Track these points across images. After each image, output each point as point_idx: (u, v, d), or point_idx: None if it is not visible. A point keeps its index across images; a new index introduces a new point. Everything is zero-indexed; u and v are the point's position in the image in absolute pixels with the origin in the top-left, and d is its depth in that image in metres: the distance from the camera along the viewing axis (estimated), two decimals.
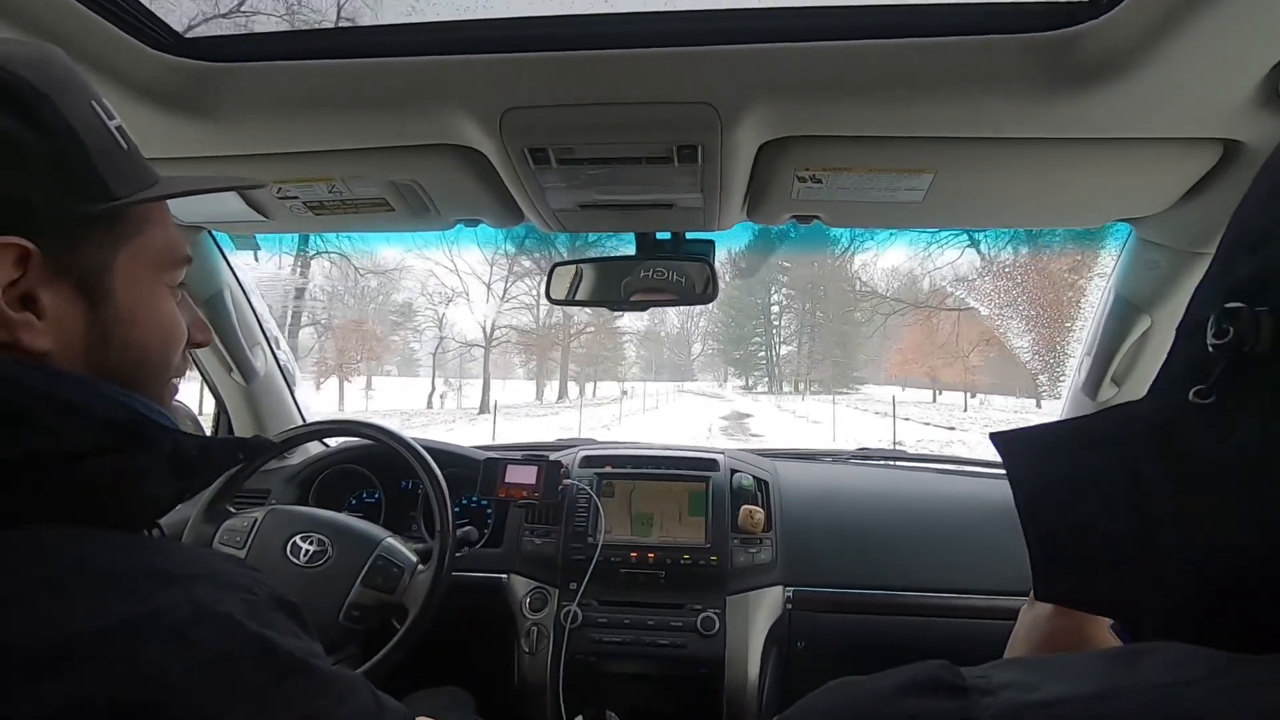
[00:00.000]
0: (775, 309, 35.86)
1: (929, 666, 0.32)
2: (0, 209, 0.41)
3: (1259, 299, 0.30)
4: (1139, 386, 1.19)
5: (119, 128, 0.47)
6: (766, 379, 36.09)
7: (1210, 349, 0.31)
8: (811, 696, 0.36)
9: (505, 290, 23.87)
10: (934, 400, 25.47)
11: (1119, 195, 0.93)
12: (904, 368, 26.88)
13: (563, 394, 26.84)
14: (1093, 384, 1.24)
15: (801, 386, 33.10)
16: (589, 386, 30.29)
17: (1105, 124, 0.76)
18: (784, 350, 36.04)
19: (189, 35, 0.78)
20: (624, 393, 28.77)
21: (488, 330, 24.07)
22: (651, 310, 1.18)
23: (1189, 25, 0.60)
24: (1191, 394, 0.32)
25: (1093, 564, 0.37)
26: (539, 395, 27.43)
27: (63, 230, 0.43)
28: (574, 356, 28.99)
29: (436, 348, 24.50)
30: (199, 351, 1.40)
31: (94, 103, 0.46)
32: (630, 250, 1.17)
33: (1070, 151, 0.82)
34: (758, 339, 36.61)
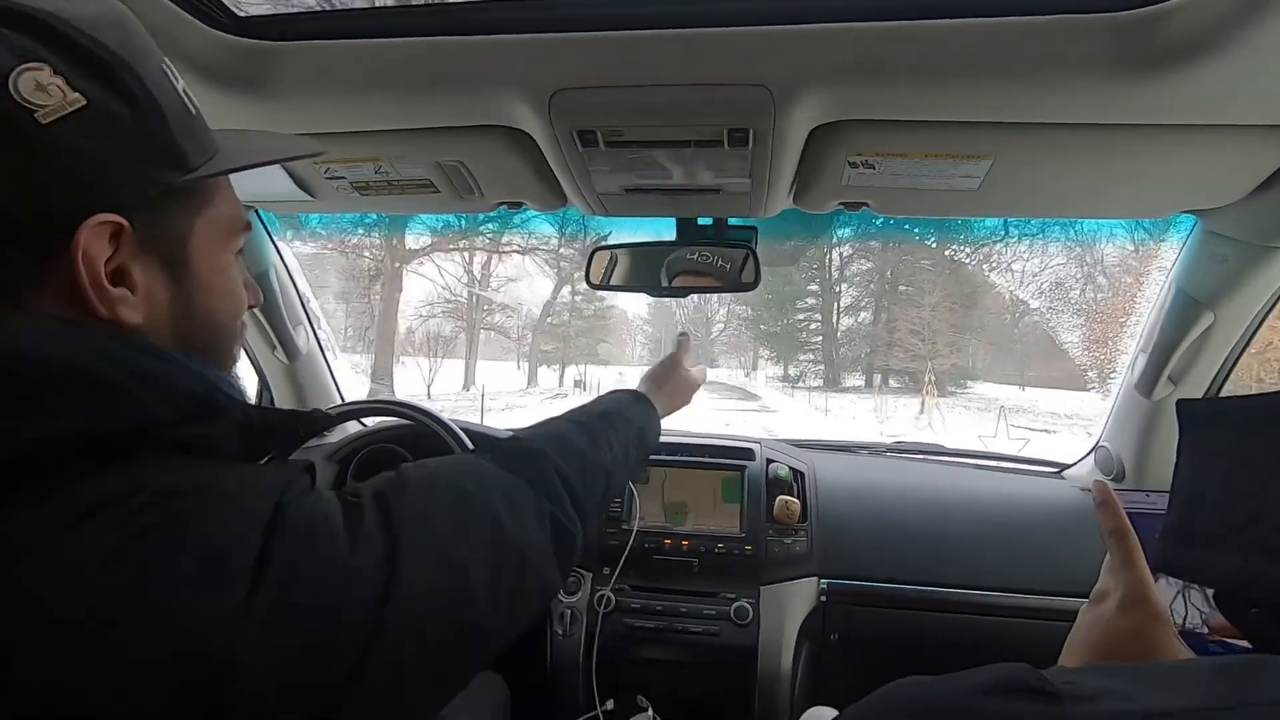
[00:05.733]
0: (837, 259, 20.32)
1: (1010, 669, 0.31)
2: (94, 184, 0.41)
3: None
4: (1198, 385, 1.15)
5: (185, 91, 0.47)
6: (822, 366, 20.91)
7: None
8: (875, 696, 0.35)
9: None
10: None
11: (1188, 185, 0.89)
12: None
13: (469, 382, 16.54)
14: (1148, 381, 1.20)
15: (895, 383, 19.20)
16: (571, 372, 20.64)
17: (1180, 110, 0.72)
18: (846, 323, 20.84)
19: (244, 14, 0.78)
20: (576, 383, 19.65)
21: None
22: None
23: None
24: None
25: (1223, 540, 0.36)
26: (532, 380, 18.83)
27: (149, 203, 0.44)
28: (550, 333, 20.48)
29: None
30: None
31: (163, 66, 0.45)
32: (670, 235, 1.16)
33: (1138, 138, 0.78)
34: (806, 307, 21.55)
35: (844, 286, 21.49)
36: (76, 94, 0.39)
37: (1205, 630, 0.58)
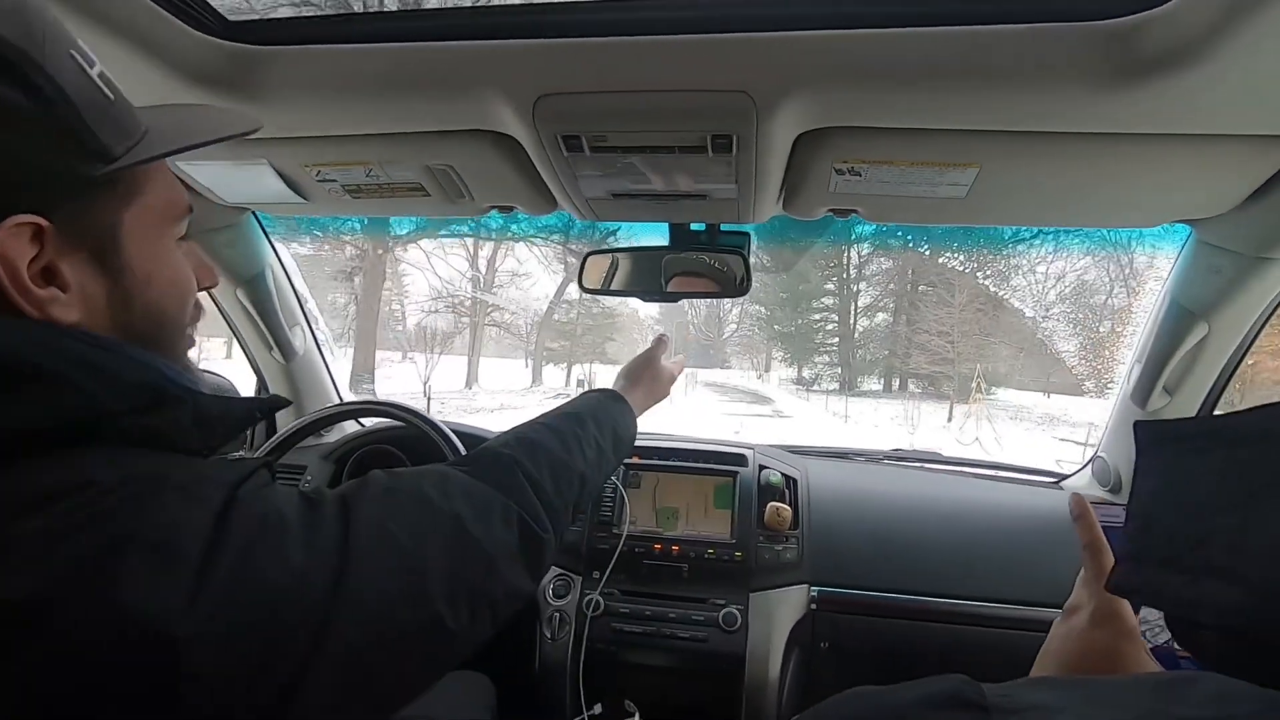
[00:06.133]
0: (856, 257, 18.71)
1: (950, 681, 0.31)
2: (7, 185, 0.40)
3: None
4: (1193, 396, 1.13)
5: (101, 75, 0.44)
6: (839, 369, 19.64)
7: None
8: (828, 702, 0.35)
9: None
10: None
11: (1179, 195, 0.88)
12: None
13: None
14: (1143, 392, 1.19)
15: (915, 387, 17.49)
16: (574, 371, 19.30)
17: (1167, 119, 0.72)
18: (864, 324, 19.43)
19: (232, 19, 0.79)
20: (580, 383, 17.75)
21: None
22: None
23: (1266, 9, 0.56)
24: None
25: (1172, 561, 0.35)
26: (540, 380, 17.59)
27: (71, 199, 0.42)
28: (557, 330, 19.53)
29: None
30: (242, 330, 1.45)
31: (73, 52, 0.42)
32: (663, 240, 1.16)
33: (1126, 148, 0.77)
34: (823, 306, 19.93)
35: (863, 285, 19.95)
36: None
37: (1176, 646, 0.58)
